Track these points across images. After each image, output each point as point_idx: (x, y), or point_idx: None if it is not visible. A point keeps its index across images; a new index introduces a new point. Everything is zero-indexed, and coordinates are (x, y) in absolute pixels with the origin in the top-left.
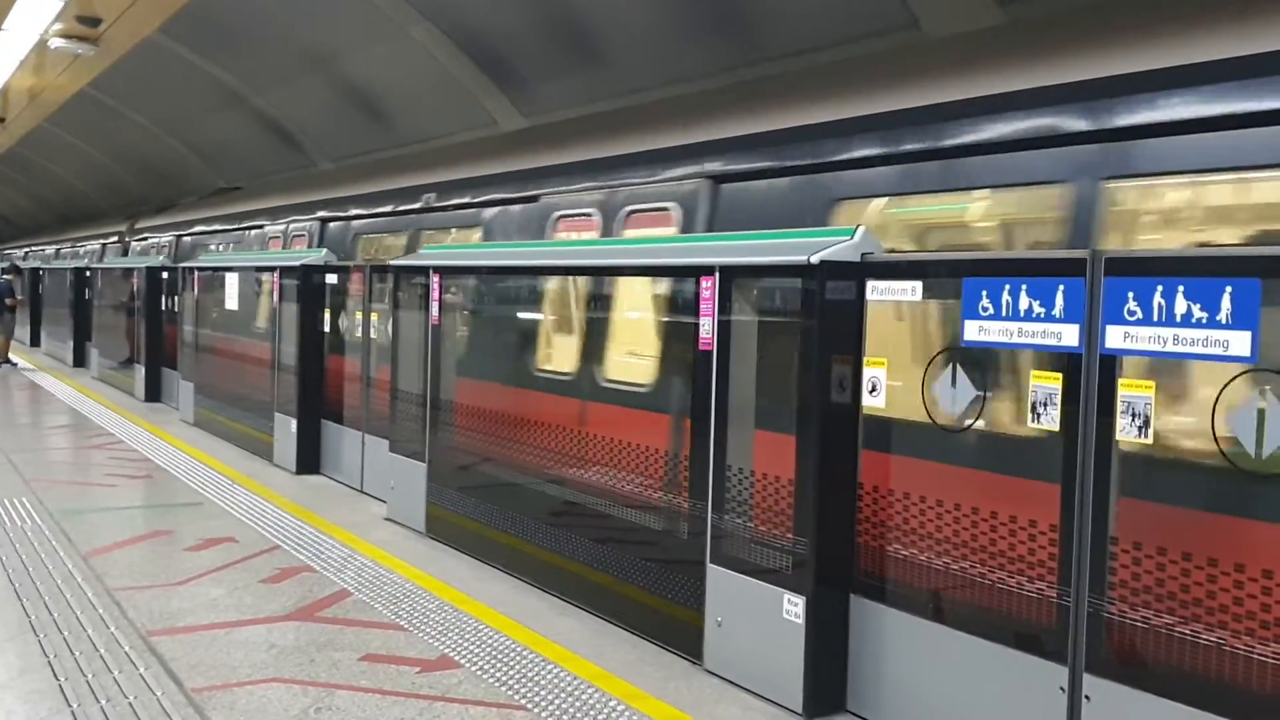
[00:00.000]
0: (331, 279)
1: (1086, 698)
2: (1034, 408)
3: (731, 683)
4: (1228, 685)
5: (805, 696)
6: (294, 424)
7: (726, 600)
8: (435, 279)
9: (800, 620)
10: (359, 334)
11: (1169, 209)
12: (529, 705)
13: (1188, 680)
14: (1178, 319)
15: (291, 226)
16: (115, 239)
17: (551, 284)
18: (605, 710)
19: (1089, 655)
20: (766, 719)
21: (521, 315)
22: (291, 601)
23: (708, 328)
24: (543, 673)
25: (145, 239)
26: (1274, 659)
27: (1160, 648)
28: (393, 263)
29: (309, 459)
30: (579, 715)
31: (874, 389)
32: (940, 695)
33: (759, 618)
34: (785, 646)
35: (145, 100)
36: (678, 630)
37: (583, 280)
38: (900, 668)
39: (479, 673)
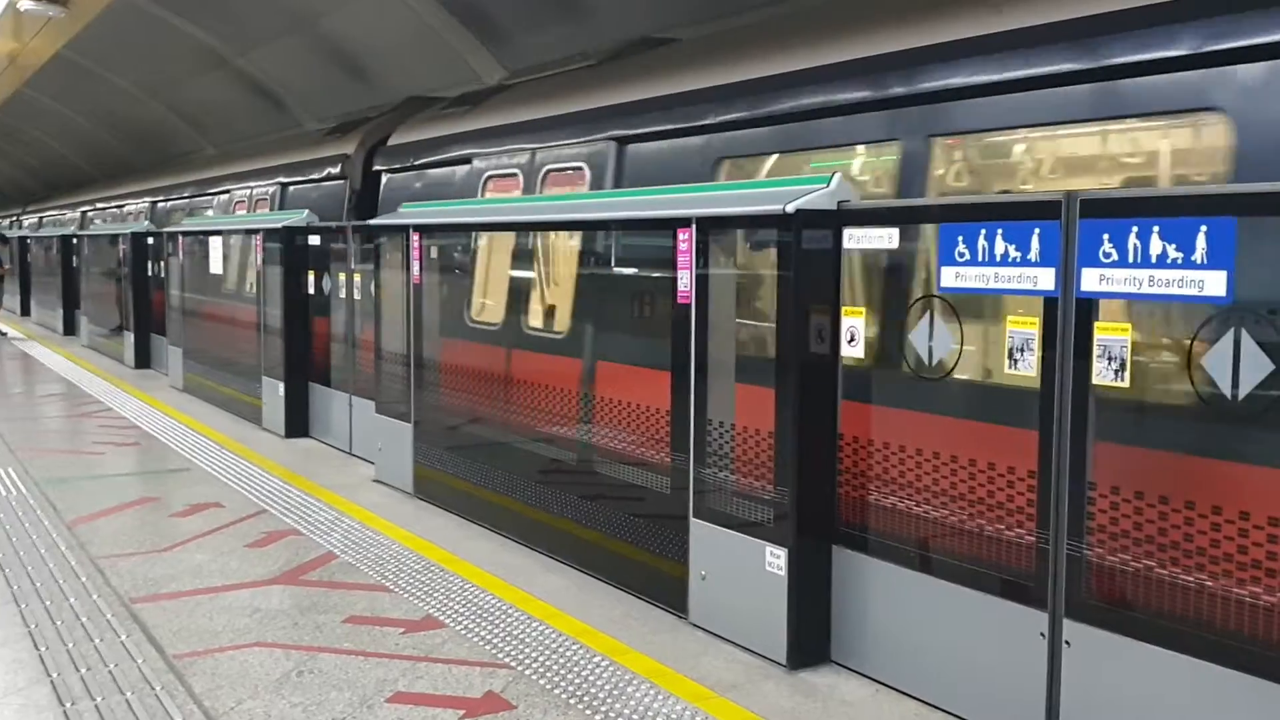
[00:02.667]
0: (314, 240)
1: (1066, 643)
2: (1011, 353)
3: (716, 635)
4: (1207, 629)
5: (789, 648)
6: (282, 388)
7: (709, 554)
8: (415, 238)
9: (783, 572)
10: (344, 295)
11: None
12: (513, 663)
13: (1167, 625)
14: (1153, 260)
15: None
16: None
17: (530, 241)
18: (589, 666)
19: (1068, 601)
20: (751, 671)
21: (501, 273)
22: (277, 565)
23: (686, 281)
24: (528, 630)
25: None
26: (1252, 601)
27: (1139, 592)
28: (371, 222)
29: (298, 422)
30: (563, 671)
31: (852, 339)
32: (923, 644)
33: (742, 571)
34: (768, 599)
35: (125, 63)
36: (663, 585)
37: (562, 236)
38: (883, 617)
39: (463, 632)
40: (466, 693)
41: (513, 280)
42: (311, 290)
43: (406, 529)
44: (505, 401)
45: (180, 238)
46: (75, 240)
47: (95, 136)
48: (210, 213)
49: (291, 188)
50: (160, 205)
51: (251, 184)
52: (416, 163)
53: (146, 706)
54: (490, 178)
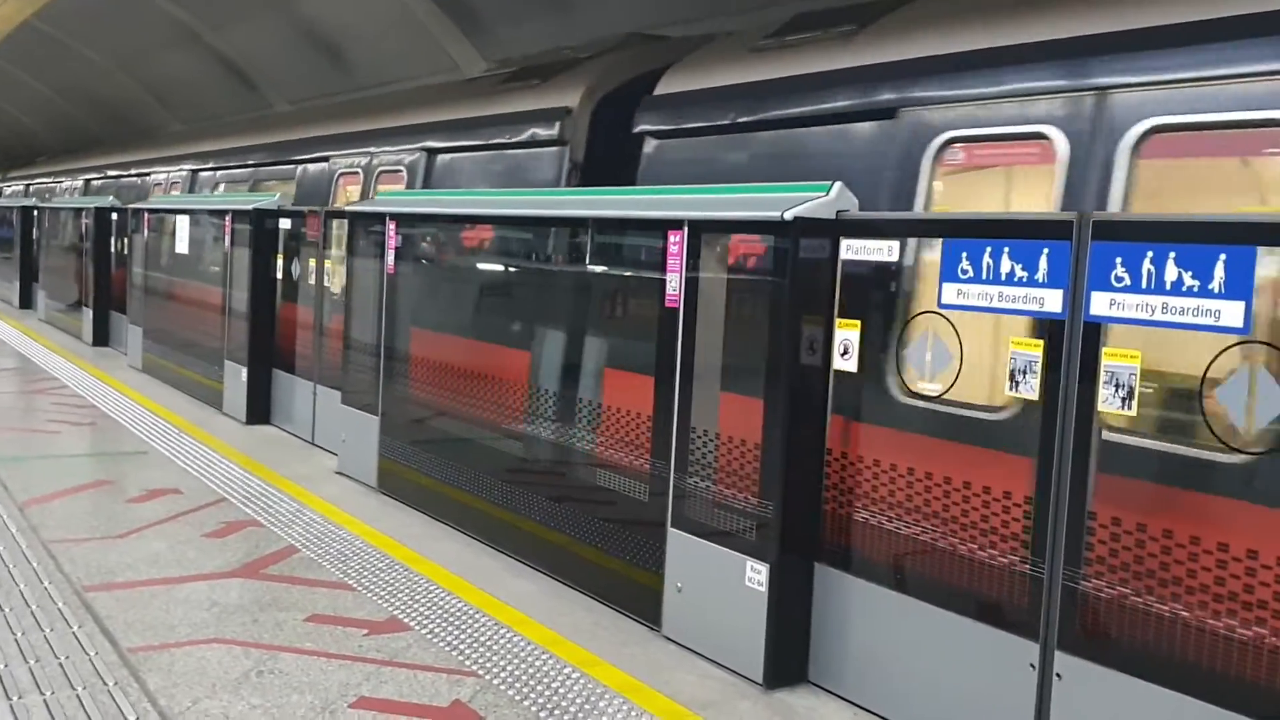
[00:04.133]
0: (285, 224)
1: (1058, 675)
2: (1013, 375)
3: (690, 650)
4: (1207, 667)
5: (766, 666)
6: (244, 372)
7: (687, 565)
8: (391, 226)
9: (763, 588)
10: (312, 281)
11: None
12: (481, 671)
13: (1165, 661)
14: (1167, 286)
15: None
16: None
17: (511, 235)
18: (559, 677)
19: (1061, 632)
20: (726, 689)
21: (479, 266)
22: (236, 557)
23: (675, 284)
24: (495, 637)
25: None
26: (1254, 641)
27: (1137, 627)
28: (348, 208)
29: (259, 409)
30: (532, 682)
31: (846, 352)
32: (905, 669)
33: (720, 584)
34: (747, 615)
35: (95, 35)
36: (636, 595)
37: (544, 232)
38: (865, 639)
39: (429, 636)
40: (433, 700)
41: (492, 275)
42: (280, 275)
43: (370, 525)
44: (477, 398)
45: (146, 215)
46: (36, 212)
47: (60, 108)
48: (288, 188)
49: (445, 156)
50: (203, 177)
51: (368, 150)
52: (751, 119)
53: (99, 703)
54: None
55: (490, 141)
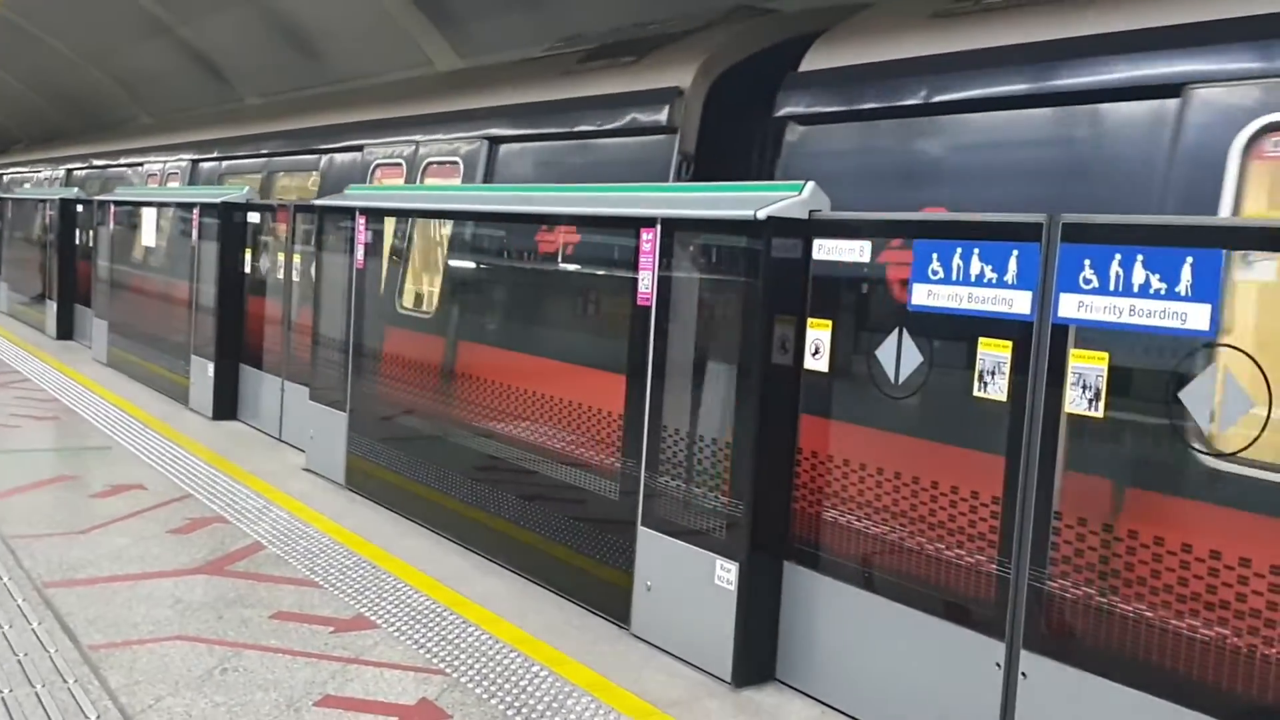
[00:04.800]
0: (253, 218)
1: (1023, 674)
2: (981, 376)
3: (659, 648)
4: (1172, 667)
5: (734, 665)
6: (211, 368)
7: (657, 564)
8: (360, 221)
9: (732, 587)
10: (280, 276)
11: None
12: (448, 670)
13: (1130, 661)
14: (1135, 289)
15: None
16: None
17: (482, 231)
18: (527, 675)
19: (1027, 631)
20: (694, 687)
21: (449, 263)
22: (201, 554)
23: (647, 282)
24: (463, 635)
25: None
26: (1217, 641)
27: (1102, 627)
28: (317, 202)
29: (226, 404)
30: (500, 680)
31: (817, 351)
32: (873, 667)
33: (690, 583)
34: (716, 613)
35: (64, 26)
36: (606, 593)
37: (517, 227)
38: (833, 638)
39: (396, 634)
40: (400, 699)
41: (462, 272)
42: (248, 269)
43: (338, 522)
44: (446, 396)
45: (111, 206)
46: None
47: (27, 100)
48: (308, 183)
49: (513, 146)
50: (205, 169)
51: (412, 138)
52: (960, 97)
53: (58, 701)
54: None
55: (572, 129)
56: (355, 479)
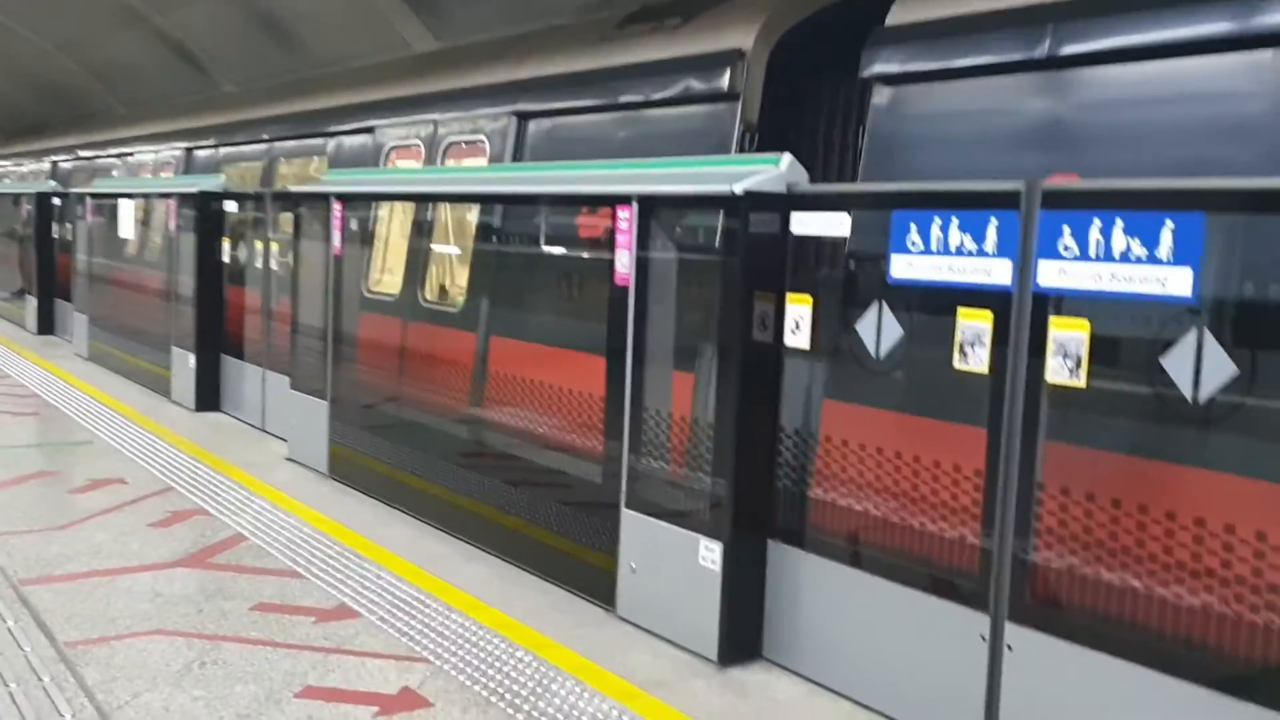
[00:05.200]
0: (231, 206)
1: (1009, 647)
2: (961, 348)
3: (645, 630)
4: (1156, 636)
5: (720, 645)
6: (192, 359)
7: (641, 545)
8: (337, 207)
9: (717, 566)
10: (260, 265)
11: None
12: (431, 657)
13: (1115, 631)
14: (1115, 255)
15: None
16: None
17: (459, 214)
18: (511, 660)
19: (1011, 604)
20: (680, 667)
21: (428, 247)
22: (182, 547)
23: (625, 262)
24: (447, 622)
25: None
26: (1204, 609)
27: (1086, 597)
28: (293, 189)
29: (208, 396)
30: (483, 666)
31: (797, 328)
32: (859, 643)
33: (674, 564)
34: (700, 593)
35: (39, 17)
36: (590, 576)
37: (493, 210)
38: (819, 615)
39: (379, 623)
40: (381, 688)
41: (439, 256)
42: (227, 259)
43: (321, 511)
44: (428, 382)
45: (89, 200)
46: None
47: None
48: (315, 170)
49: (545, 122)
50: (200, 157)
51: (430, 116)
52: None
53: (32, 700)
54: None
55: (614, 100)
56: (338, 468)
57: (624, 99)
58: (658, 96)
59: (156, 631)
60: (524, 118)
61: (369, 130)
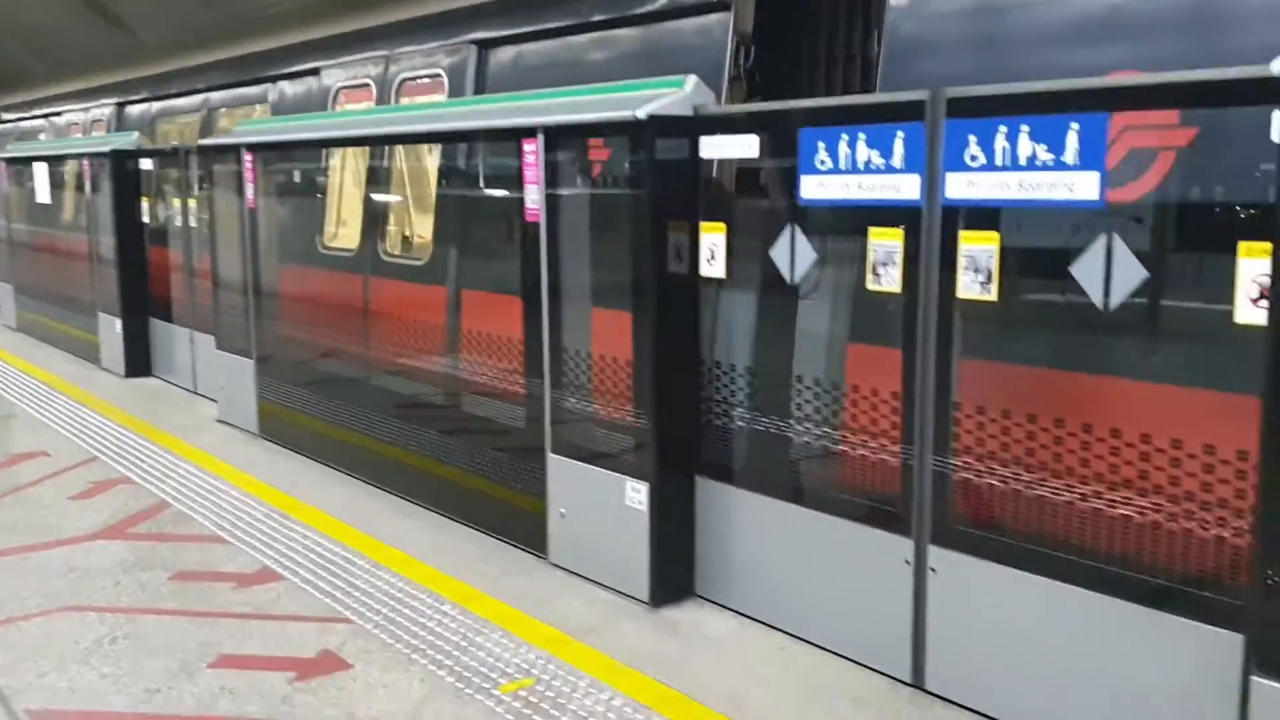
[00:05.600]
0: (147, 164)
1: (932, 570)
2: (874, 268)
3: (578, 575)
4: (1077, 553)
5: (651, 585)
6: (119, 324)
7: (568, 490)
8: (248, 158)
9: (644, 507)
10: (180, 223)
11: None
12: (354, 617)
13: (1035, 549)
14: (1022, 163)
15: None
16: None
17: (371, 158)
18: (437, 615)
19: (934, 527)
20: (611, 611)
21: (342, 194)
22: (102, 518)
23: (534, 197)
24: (373, 580)
25: None
26: (1122, 522)
27: (1005, 516)
28: (201, 143)
29: (138, 361)
30: (407, 624)
31: (713, 257)
32: (789, 575)
33: (602, 507)
34: (629, 535)
35: None
36: (522, 524)
37: (404, 152)
38: (749, 549)
39: (302, 585)
40: (300, 652)
41: (353, 201)
42: (148, 219)
43: (249, 473)
44: (352, 332)
45: (3, 165)
46: None
47: None
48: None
49: (509, 50)
50: (132, 113)
51: (380, 53)
52: None
53: None
54: None
55: (586, 20)
56: (268, 427)
57: (598, 17)
58: (637, 11)
59: (69, 608)
60: (485, 46)
61: (314, 72)
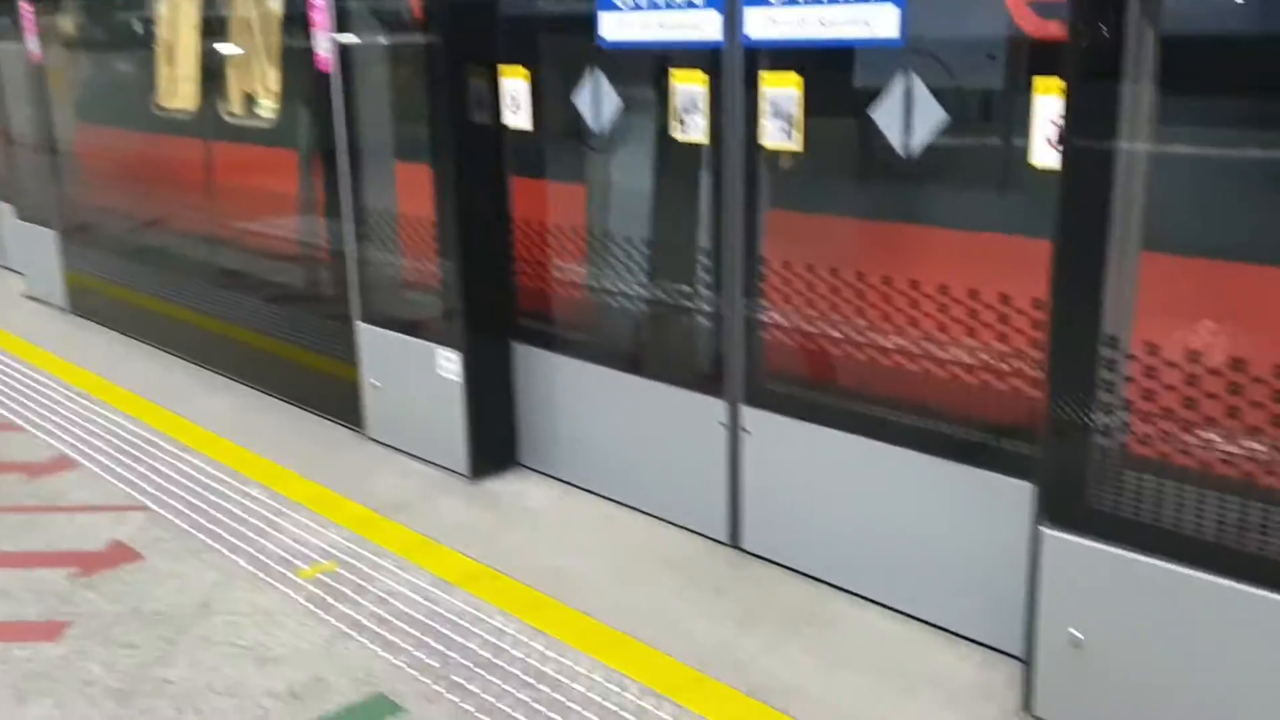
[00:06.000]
0: None
1: (745, 430)
2: (679, 116)
3: (396, 449)
4: (883, 408)
5: (470, 457)
6: None
7: (381, 361)
8: (27, 9)
9: (457, 377)
10: None
11: None
12: (151, 504)
13: (842, 407)
14: None
15: None
16: None
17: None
18: (240, 498)
19: (746, 388)
20: (428, 486)
21: (129, 41)
22: None
23: (324, 45)
24: (177, 464)
25: None
26: (924, 375)
27: (814, 375)
28: None
29: None
30: (208, 509)
31: (516, 106)
32: (608, 441)
33: (415, 378)
34: (445, 406)
35: None
36: (337, 398)
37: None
38: (569, 416)
39: (99, 472)
40: (86, 545)
41: (140, 52)
42: None
43: (55, 353)
44: (155, 196)
45: None
46: None
47: None
48: None
49: None
50: None
51: None
52: None
53: None
54: None
55: None
56: (79, 301)
57: None
58: None
59: None
60: None
61: None
